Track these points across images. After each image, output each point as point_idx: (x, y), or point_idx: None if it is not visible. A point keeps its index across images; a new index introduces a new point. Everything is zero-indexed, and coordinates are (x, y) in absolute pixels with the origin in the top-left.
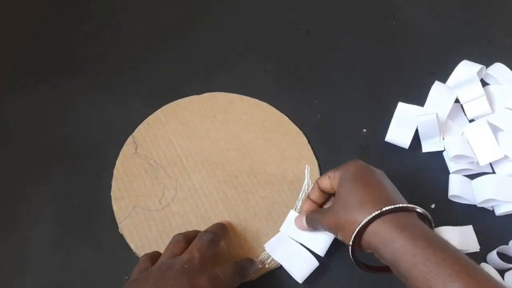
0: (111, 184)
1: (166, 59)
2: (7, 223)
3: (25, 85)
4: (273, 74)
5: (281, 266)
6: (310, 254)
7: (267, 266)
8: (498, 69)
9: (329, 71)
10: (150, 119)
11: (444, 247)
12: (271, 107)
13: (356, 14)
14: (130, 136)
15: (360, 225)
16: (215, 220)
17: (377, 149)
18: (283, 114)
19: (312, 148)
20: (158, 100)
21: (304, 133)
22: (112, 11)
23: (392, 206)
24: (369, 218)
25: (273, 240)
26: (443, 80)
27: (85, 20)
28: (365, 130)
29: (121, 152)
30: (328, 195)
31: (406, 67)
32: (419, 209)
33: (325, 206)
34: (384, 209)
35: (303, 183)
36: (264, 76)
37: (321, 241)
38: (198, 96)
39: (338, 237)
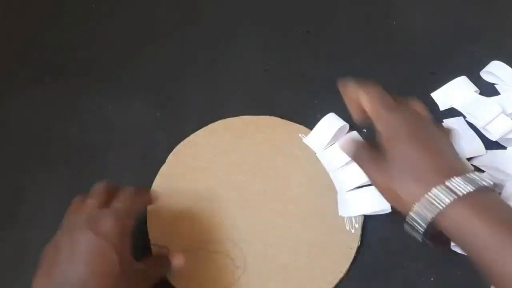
0: None
1: (166, 59)
2: (7, 223)
3: (24, 85)
4: (273, 74)
5: None
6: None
7: None
8: (497, 66)
9: (329, 71)
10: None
11: None
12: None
13: (356, 14)
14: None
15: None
16: None
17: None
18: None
19: None
20: (158, 100)
21: None
22: (113, 11)
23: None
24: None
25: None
26: (443, 80)
27: (85, 19)
28: (365, 130)
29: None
30: None
31: (406, 67)
32: (488, 181)
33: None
34: (453, 180)
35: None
36: (264, 76)
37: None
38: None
39: (387, 200)
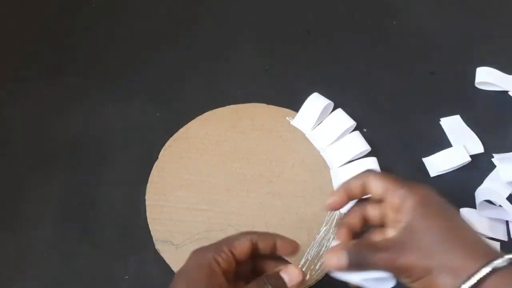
0: (111, 184)
1: (166, 59)
2: (7, 223)
3: (25, 85)
4: (273, 74)
5: (323, 277)
6: None
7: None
8: (485, 73)
9: (329, 71)
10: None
11: None
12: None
13: (356, 14)
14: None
15: (473, 280)
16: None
17: (377, 148)
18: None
19: None
20: (158, 100)
21: None
22: (112, 11)
23: (507, 257)
24: (487, 271)
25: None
26: (443, 80)
27: (85, 19)
28: (365, 130)
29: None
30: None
31: (406, 67)
32: None
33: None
34: (497, 261)
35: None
36: (264, 76)
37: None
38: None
39: (403, 281)
